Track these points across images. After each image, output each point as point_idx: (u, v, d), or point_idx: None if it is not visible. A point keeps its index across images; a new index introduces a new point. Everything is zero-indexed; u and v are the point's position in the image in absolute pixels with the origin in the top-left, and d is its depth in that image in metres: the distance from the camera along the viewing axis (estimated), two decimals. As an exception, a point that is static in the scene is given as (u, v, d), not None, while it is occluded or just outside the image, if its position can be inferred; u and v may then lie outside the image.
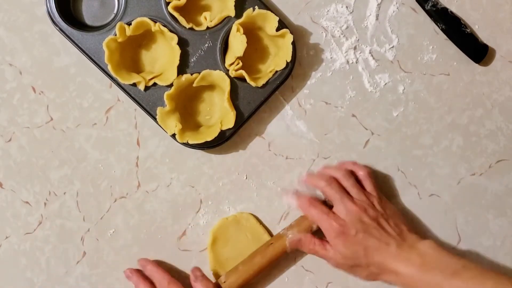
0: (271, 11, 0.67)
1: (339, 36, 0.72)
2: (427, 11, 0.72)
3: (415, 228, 0.71)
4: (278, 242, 0.69)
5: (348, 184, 0.68)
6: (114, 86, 0.69)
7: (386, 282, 0.66)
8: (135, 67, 0.70)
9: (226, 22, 0.68)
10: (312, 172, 0.72)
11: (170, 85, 0.67)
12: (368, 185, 0.69)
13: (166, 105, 0.66)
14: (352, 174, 0.69)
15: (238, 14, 0.67)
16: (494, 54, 0.73)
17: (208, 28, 0.68)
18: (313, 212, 0.66)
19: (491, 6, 0.73)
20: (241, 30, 0.66)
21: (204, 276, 0.68)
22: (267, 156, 0.72)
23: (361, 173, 0.69)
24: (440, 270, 0.62)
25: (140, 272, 0.69)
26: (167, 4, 0.67)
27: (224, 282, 0.68)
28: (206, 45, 0.68)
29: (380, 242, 0.64)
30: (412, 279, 0.62)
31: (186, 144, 0.68)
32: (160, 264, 0.70)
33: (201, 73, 0.67)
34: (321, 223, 0.66)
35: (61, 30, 0.68)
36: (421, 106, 0.73)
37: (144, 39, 0.69)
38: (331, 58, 0.72)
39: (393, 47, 0.73)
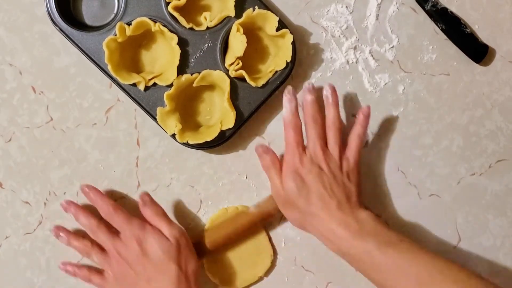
0: (271, 11, 0.67)
1: (339, 36, 0.72)
2: (427, 11, 0.72)
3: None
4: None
5: (332, 134, 0.67)
6: (114, 86, 0.69)
7: (311, 233, 0.66)
8: (135, 67, 0.70)
9: (226, 22, 0.68)
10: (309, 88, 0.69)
11: (170, 85, 0.67)
12: (353, 148, 0.67)
13: (166, 105, 0.66)
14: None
15: (238, 14, 0.67)
16: (494, 54, 0.73)
17: (208, 28, 0.68)
18: (288, 136, 0.66)
19: (491, 6, 0.73)
20: (241, 30, 0.66)
21: (153, 201, 0.67)
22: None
23: (358, 131, 0.67)
24: (375, 238, 0.61)
25: (76, 204, 0.68)
26: (167, 4, 0.67)
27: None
28: (206, 45, 0.68)
29: (325, 192, 0.64)
30: (343, 242, 0.62)
31: (186, 144, 0.68)
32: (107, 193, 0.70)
33: (201, 73, 0.67)
34: (287, 150, 0.66)
35: (61, 30, 0.68)
36: (421, 106, 0.73)
37: (144, 39, 0.69)
38: (331, 58, 0.72)
39: (393, 47, 0.73)
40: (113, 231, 0.66)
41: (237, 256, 0.71)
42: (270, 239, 0.72)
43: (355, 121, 0.68)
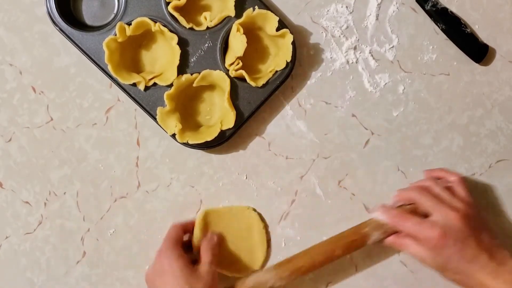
0: (271, 11, 0.67)
1: (339, 36, 0.72)
2: (427, 11, 0.72)
3: (506, 245, 0.69)
4: (359, 237, 0.67)
5: (439, 189, 0.65)
6: (114, 86, 0.69)
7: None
8: (135, 67, 0.70)
9: (226, 22, 0.68)
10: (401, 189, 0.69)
11: (170, 85, 0.67)
12: (461, 191, 0.66)
13: (166, 105, 0.66)
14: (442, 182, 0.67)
15: (238, 14, 0.67)
16: (494, 54, 0.73)
17: (208, 28, 0.68)
18: (408, 224, 0.64)
19: (491, 6, 0.73)
20: (241, 30, 0.66)
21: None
22: (267, 156, 0.72)
23: (452, 178, 0.67)
24: None
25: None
26: (167, 4, 0.67)
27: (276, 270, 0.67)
28: (206, 45, 0.68)
29: (474, 254, 0.62)
30: None
31: (186, 144, 0.68)
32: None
33: (201, 73, 0.67)
34: (417, 234, 0.63)
35: (61, 30, 0.68)
36: (421, 106, 0.73)
37: (144, 39, 0.69)
38: (331, 58, 0.72)
39: (393, 47, 0.73)
40: None
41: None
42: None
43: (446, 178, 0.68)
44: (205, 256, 0.65)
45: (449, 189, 0.66)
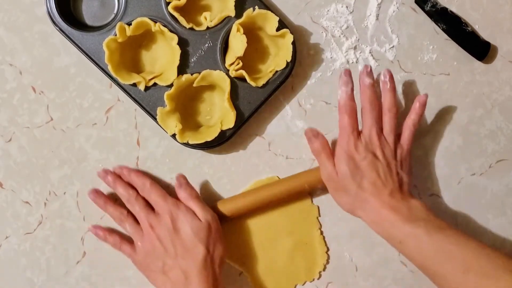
0: (271, 11, 0.67)
1: (339, 36, 0.72)
2: (427, 12, 0.72)
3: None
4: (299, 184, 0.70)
5: (387, 119, 0.67)
6: (114, 86, 0.69)
7: (359, 217, 0.66)
8: (135, 67, 0.70)
9: (226, 22, 0.68)
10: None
11: (170, 85, 0.67)
12: (406, 136, 0.68)
13: (166, 105, 0.66)
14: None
15: (238, 14, 0.67)
16: (494, 53, 0.73)
17: (208, 28, 0.68)
18: (343, 120, 0.66)
19: (491, 6, 0.73)
20: (241, 30, 0.66)
21: (188, 184, 0.68)
22: (267, 156, 0.72)
23: (411, 119, 0.68)
24: (425, 224, 0.62)
25: (115, 173, 0.69)
26: (167, 4, 0.67)
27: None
28: (206, 45, 0.68)
29: (379, 180, 0.64)
30: (392, 226, 0.63)
31: (186, 144, 0.68)
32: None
33: (201, 73, 0.67)
34: (341, 134, 0.66)
35: (61, 30, 0.68)
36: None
37: (144, 39, 0.69)
38: (331, 58, 0.72)
39: (393, 47, 0.73)
40: (149, 206, 0.67)
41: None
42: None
43: (410, 109, 0.69)
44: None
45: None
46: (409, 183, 0.67)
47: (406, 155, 0.67)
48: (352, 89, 0.67)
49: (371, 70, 0.68)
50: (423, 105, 0.68)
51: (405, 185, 0.66)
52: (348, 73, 0.67)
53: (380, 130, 0.67)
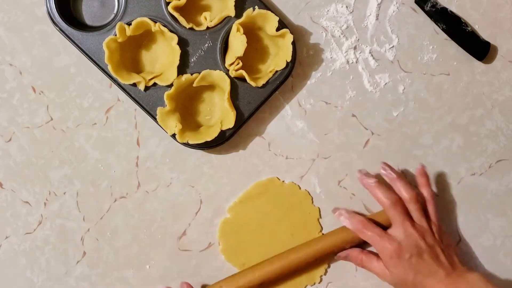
0: (271, 11, 0.67)
1: (339, 36, 0.72)
2: (427, 12, 0.72)
3: (467, 263, 0.71)
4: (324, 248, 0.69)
5: (414, 208, 0.67)
6: (114, 86, 0.69)
7: None
8: (135, 67, 0.70)
9: (226, 22, 0.68)
10: (380, 174, 0.70)
11: (170, 85, 0.67)
12: (432, 211, 0.68)
13: (166, 105, 0.66)
14: (419, 197, 0.68)
15: (238, 14, 0.67)
16: (494, 54, 0.73)
17: (208, 28, 0.68)
18: (368, 234, 0.66)
19: (491, 6, 0.73)
20: (241, 30, 0.66)
21: None
22: (267, 156, 0.72)
23: (426, 194, 0.69)
24: None
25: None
26: (167, 4, 0.67)
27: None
28: (206, 45, 0.68)
29: (431, 269, 0.64)
30: None
31: (186, 144, 0.68)
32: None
33: (201, 73, 0.67)
34: (376, 245, 0.66)
35: (61, 30, 0.68)
36: (421, 106, 0.73)
37: (144, 39, 0.69)
38: (331, 58, 0.72)
39: (393, 47, 0.73)
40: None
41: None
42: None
43: (418, 184, 0.69)
44: None
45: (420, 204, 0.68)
46: (459, 255, 0.67)
47: (443, 230, 0.68)
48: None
49: (366, 171, 0.69)
50: (425, 175, 0.69)
51: (456, 260, 0.66)
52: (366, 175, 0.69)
53: (411, 220, 0.66)
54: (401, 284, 0.66)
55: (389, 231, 0.66)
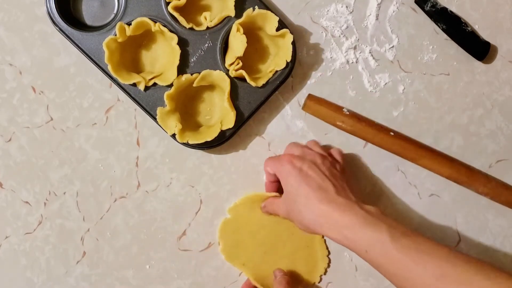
0: (271, 11, 0.67)
1: (339, 36, 0.72)
2: (427, 12, 0.72)
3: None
4: None
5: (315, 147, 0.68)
6: (114, 86, 0.69)
7: (318, 233, 0.64)
8: (135, 67, 0.70)
9: (226, 22, 0.68)
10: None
11: (170, 85, 0.67)
12: (337, 154, 0.68)
13: (166, 105, 0.66)
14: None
15: (238, 14, 0.67)
16: (494, 53, 0.73)
17: (208, 28, 0.68)
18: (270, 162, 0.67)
19: (491, 6, 0.73)
20: (241, 30, 0.66)
21: None
22: (267, 156, 0.72)
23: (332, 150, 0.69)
24: (387, 228, 0.57)
25: None
26: (167, 4, 0.67)
27: None
28: (206, 45, 0.68)
29: (323, 178, 0.62)
30: (349, 230, 0.58)
31: (186, 144, 0.68)
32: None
33: (201, 73, 0.67)
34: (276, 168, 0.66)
35: (61, 30, 0.68)
36: (421, 106, 0.73)
37: (144, 39, 0.69)
38: (331, 58, 0.72)
39: (393, 47, 0.73)
40: None
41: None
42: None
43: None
44: None
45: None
46: (354, 191, 0.64)
47: (345, 172, 0.67)
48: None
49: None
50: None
51: (348, 190, 0.63)
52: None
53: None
54: (293, 205, 0.63)
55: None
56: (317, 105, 0.70)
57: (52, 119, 0.71)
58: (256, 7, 0.67)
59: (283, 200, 0.65)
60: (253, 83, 0.67)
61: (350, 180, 0.68)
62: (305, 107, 0.71)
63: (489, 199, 0.71)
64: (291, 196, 0.63)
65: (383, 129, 0.71)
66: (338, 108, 0.71)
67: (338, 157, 0.68)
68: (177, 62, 0.67)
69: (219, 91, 0.70)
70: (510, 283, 0.53)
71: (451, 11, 0.72)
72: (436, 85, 0.73)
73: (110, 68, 0.66)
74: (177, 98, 0.68)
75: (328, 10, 0.72)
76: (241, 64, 0.67)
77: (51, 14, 0.67)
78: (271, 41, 0.71)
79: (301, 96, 0.72)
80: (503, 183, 0.72)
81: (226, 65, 0.68)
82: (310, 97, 0.71)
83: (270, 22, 0.67)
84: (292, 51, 0.67)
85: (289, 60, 0.68)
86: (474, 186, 0.71)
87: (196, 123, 0.71)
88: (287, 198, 0.64)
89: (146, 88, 0.68)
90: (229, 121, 0.67)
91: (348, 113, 0.70)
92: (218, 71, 0.68)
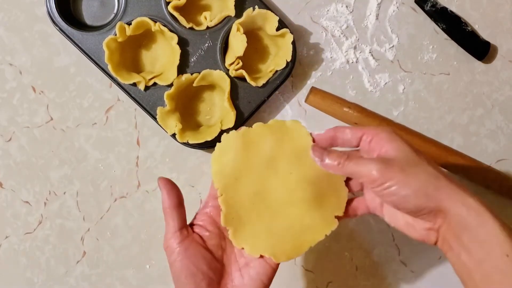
0: (271, 11, 0.67)
1: (339, 36, 0.72)
2: (427, 12, 0.72)
3: None
4: None
5: None
6: (114, 86, 0.69)
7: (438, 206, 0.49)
8: (135, 67, 0.70)
9: (226, 21, 0.68)
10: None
11: (170, 85, 0.67)
12: None
13: (166, 105, 0.66)
14: None
15: (238, 13, 0.67)
16: (494, 53, 0.73)
17: (208, 28, 0.68)
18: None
19: (491, 6, 0.73)
20: (241, 29, 0.66)
21: None
22: (267, 156, 0.72)
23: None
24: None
25: None
26: (167, 4, 0.67)
27: None
28: (206, 45, 0.68)
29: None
30: (493, 229, 0.48)
31: (186, 144, 0.68)
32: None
33: (201, 73, 0.67)
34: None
35: (61, 30, 0.68)
36: (421, 106, 0.73)
37: (144, 39, 0.69)
38: (331, 57, 0.72)
39: (393, 46, 0.73)
40: None
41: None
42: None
43: None
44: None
45: None
46: None
47: None
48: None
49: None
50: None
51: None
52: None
53: None
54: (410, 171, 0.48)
55: None
56: (322, 93, 0.70)
57: (52, 119, 0.71)
58: (256, 7, 0.67)
59: (398, 161, 0.48)
60: (253, 83, 0.67)
61: None
62: (308, 99, 0.70)
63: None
64: (415, 159, 0.49)
65: (388, 120, 0.71)
66: (342, 99, 0.71)
67: None
68: (177, 61, 0.67)
69: (219, 90, 0.70)
70: None
71: (451, 11, 0.72)
72: (436, 85, 0.73)
73: (110, 68, 0.66)
74: (177, 98, 0.68)
75: (328, 10, 0.72)
76: (241, 64, 0.67)
77: (51, 14, 0.67)
78: (271, 41, 0.71)
79: (301, 96, 0.72)
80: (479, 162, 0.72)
81: (226, 65, 0.68)
82: (314, 89, 0.71)
83: (270, 22, 0.67)
84: (292, 51, 0.68)
85: (289, 60, 0.68)
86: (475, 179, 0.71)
87: (196, 123, 0.71)
88: (407, 158, 0.48)
89: (146, 88, 0.68)
90: (229, 121, 0.67)
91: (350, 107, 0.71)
92: (218, 70, 0.68)
